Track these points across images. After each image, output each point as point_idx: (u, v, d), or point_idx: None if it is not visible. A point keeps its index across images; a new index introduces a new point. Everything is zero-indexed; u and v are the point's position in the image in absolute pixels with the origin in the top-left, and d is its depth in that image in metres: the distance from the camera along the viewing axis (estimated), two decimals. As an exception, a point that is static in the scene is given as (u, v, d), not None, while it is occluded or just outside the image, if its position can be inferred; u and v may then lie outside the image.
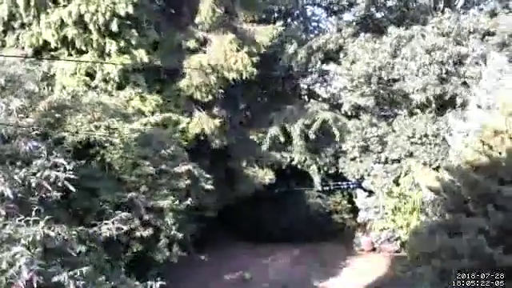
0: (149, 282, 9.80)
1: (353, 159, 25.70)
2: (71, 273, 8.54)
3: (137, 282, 10.09)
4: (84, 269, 8.75)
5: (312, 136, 25.88)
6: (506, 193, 13.11)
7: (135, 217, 13.62)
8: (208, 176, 17.73)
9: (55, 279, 8.44)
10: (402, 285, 17.09)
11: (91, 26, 17.88)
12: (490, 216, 13.11)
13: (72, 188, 10.06)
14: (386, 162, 24.23)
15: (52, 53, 18.71)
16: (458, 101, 22.21)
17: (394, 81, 23.57)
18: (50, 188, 9.70)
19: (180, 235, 14.80)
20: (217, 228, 21.04)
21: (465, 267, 12.56)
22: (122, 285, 10.13)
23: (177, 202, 15.12)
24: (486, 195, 13.47)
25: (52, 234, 8.74)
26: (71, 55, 18.73)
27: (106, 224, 10.96)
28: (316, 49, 28.28)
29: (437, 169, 21.13)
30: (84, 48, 18.43)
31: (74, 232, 9.50)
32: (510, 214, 12.92)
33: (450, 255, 13.00)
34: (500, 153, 13.98)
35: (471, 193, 13.87)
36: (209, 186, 17.61)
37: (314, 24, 33.47)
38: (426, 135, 22.72)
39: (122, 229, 11.13)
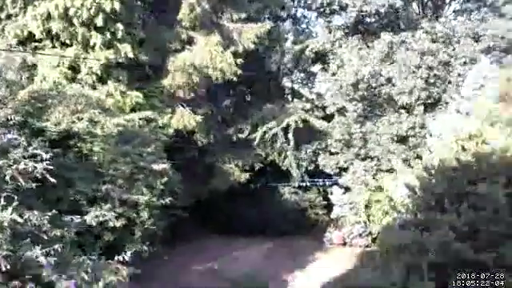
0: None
1: (332, 154, 26.09)
2: (44, 250, 8.65)
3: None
4: (57, 246, 8.85)
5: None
6: (480, 191, 13.37)
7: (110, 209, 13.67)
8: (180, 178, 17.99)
9: (28, 254, 8.54)
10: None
11: (75, 20, 17.94)
12: (462, 213, 13.36)
13: (52, 179, 10.07)
14: (365, 158, 24.58)
15: (36, 44, 18.74)
16: (443, 102, 22.57)
17: (382, 85, 23.89)
18: (22, 181, 9.71)
19: (153, 227, 14.93)
20: (190, 221, 21.02)
21: (432, 262, 12.76)
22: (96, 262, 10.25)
23: (154, 199, 15.25)
24: (461, 193, 13.74)
25: (20, 219, 8.83)
26: (55, 47, 18.76)
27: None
28: (305, 50, 28.48)
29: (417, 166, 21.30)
30: (68, 41, 18.49)
31: (47, 217, 9.54)
32: (481, 212, 13.20)
33: (418, 250, 13.21)
34: (474, 154, 14.24)
35: (448, 190, 14.10)
36: (178, 190, 17.80)
37: (304, 26, 33.83)
38: (407, 136, 23.02)
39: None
